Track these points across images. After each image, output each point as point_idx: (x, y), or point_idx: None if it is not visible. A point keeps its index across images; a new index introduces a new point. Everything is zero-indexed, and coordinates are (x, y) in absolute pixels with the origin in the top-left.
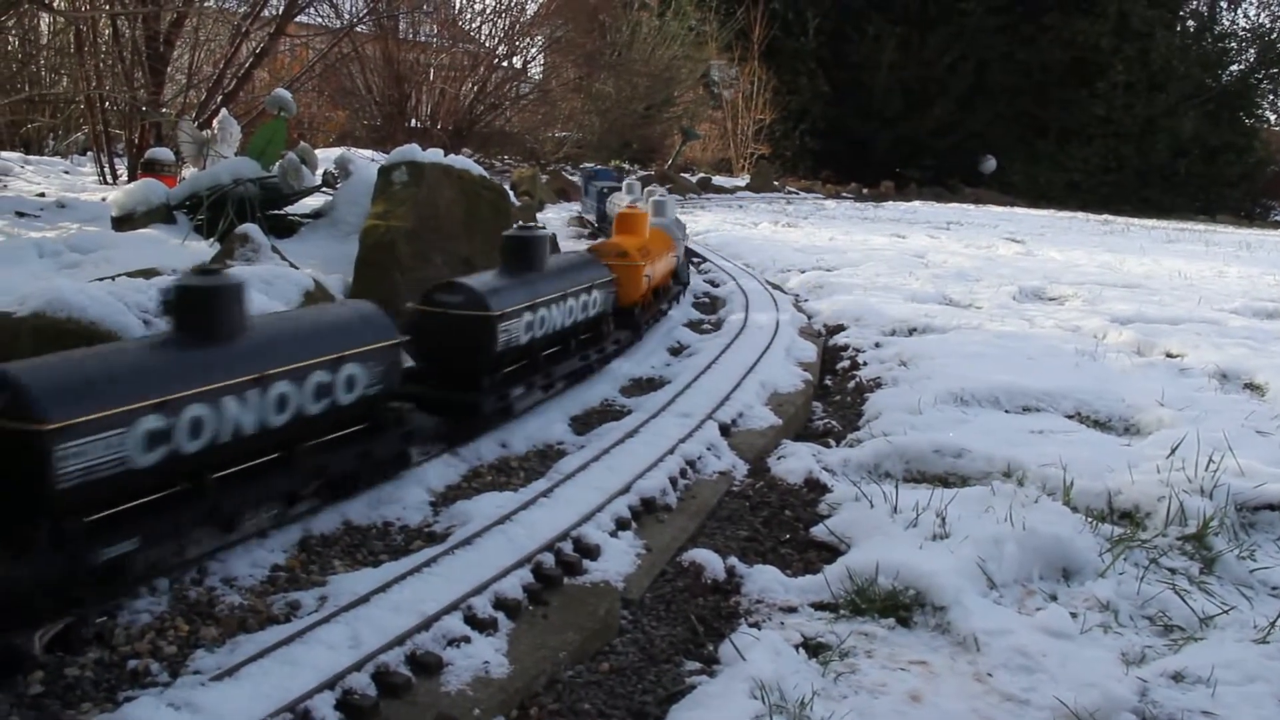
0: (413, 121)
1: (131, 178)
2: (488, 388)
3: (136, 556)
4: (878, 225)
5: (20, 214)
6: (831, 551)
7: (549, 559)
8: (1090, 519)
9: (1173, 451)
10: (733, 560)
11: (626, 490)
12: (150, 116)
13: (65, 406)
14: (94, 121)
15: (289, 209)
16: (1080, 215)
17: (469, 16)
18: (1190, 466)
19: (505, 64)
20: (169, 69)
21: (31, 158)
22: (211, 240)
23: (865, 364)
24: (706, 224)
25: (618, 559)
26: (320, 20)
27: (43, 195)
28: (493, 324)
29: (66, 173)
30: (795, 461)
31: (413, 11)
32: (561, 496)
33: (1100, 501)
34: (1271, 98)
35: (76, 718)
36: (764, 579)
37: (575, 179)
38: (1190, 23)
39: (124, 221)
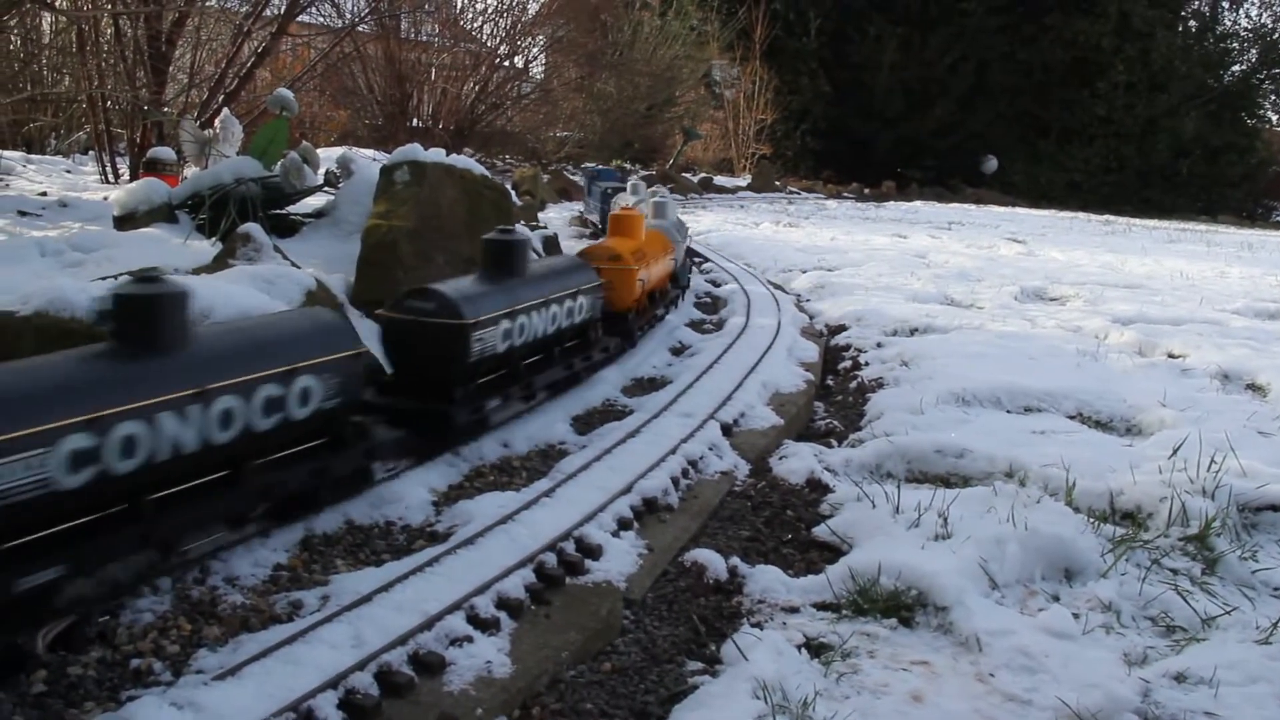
0: (414, 121)
1: (133, 177)
2: (461, 399)
3: (63, 585)
4: (879, 225)
5: (22, 213)
6: (833, 551)
7: (551, 559)
8: (1092, 519)
9: (1174, 452)
10: (735, 560)
11: (628, 490)
12: (152, 116)
13: None
14: (96, 121)
15: (291, 208)
16: (1081, 215)
17: (470, 16)
18: (1192, 467)
19: (507, 64)
20: (171, 68)
21: (33, 157)
22: (213, 239)
23: (867, 364)
24: (708, 224)
25: (620, 559)
26: (322, 20)
27: (45, 194)
28: (466, 332)
29: (68, 172)
30: (797, 461)
31: (414, 11)
32: (563, 496)
33: (1102, 502)
34: (1273, 98)
35: (80, 717)
36: (766, 579)
37: (576, 178)
38: (1192, 23)
39: (126, 221)
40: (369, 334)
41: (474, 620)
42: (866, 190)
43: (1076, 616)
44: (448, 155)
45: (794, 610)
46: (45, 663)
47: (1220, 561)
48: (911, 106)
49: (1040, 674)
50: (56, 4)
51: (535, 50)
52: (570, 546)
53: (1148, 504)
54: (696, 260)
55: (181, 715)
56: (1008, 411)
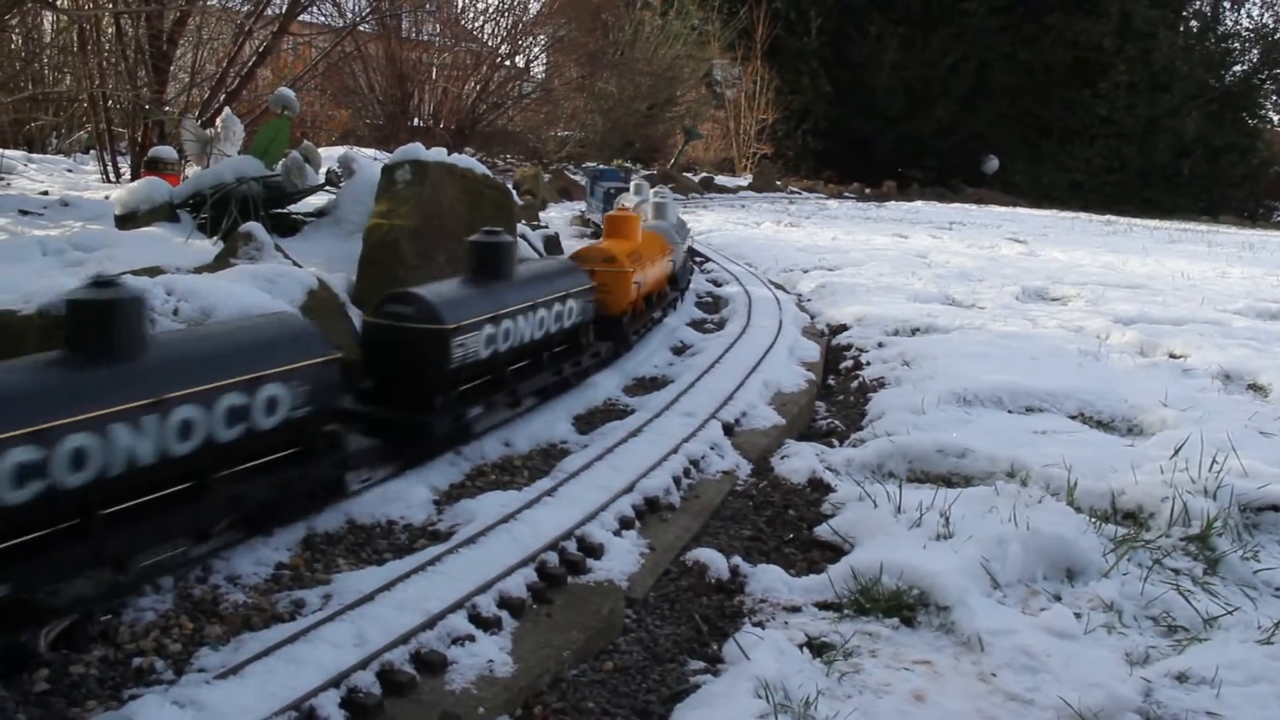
0: (415, 120)
1: (135, 176)
2: (441, 407)
3: (8, 603)
4: (880, 225)
5: (24, 212)
6: (835, 551)
7: (553, 558)
8: (1094, 519)
9: (1176, 452)
10: (736, 559)
11: (630, 489)
12: (153, 115)
13: None
14: (97, 120)
15: (292, 207)
16: (1083, 215)
17: (472, 15)
18: (1194, 467)
19: (508, 63)
20: (172, 67)
21: (35, 156)
22: (215, 239)
23: (868, 364)
24: (709, 224)
25: (622, 558)
26: (323, 19)
27: (46, 193)
28: (446, 338)
29: (70, 171)
30: (799, 461)
31: (415, 11)
32: (565, 495)
33: (1104, 502)
34: (1275, 98)
35: (82, 715)
36: (768, 578)
37: (578, 178)
38: (1193, 23)
39: (127, 220)
40: None
41: (476, 619)
42: (868, 190)
43: (1078, 616)
44: (449, 155)
45: (796, 610)
46: (47, 661)
47: (1222, 561)
48: (913, 106)
49: (1042, 673)
50: (58, 3)
51: (536, 50)
52: (572, 545)
53: (1149, 504)
54: (698, 260)
55: (183, 714)
56: (1009, 411)
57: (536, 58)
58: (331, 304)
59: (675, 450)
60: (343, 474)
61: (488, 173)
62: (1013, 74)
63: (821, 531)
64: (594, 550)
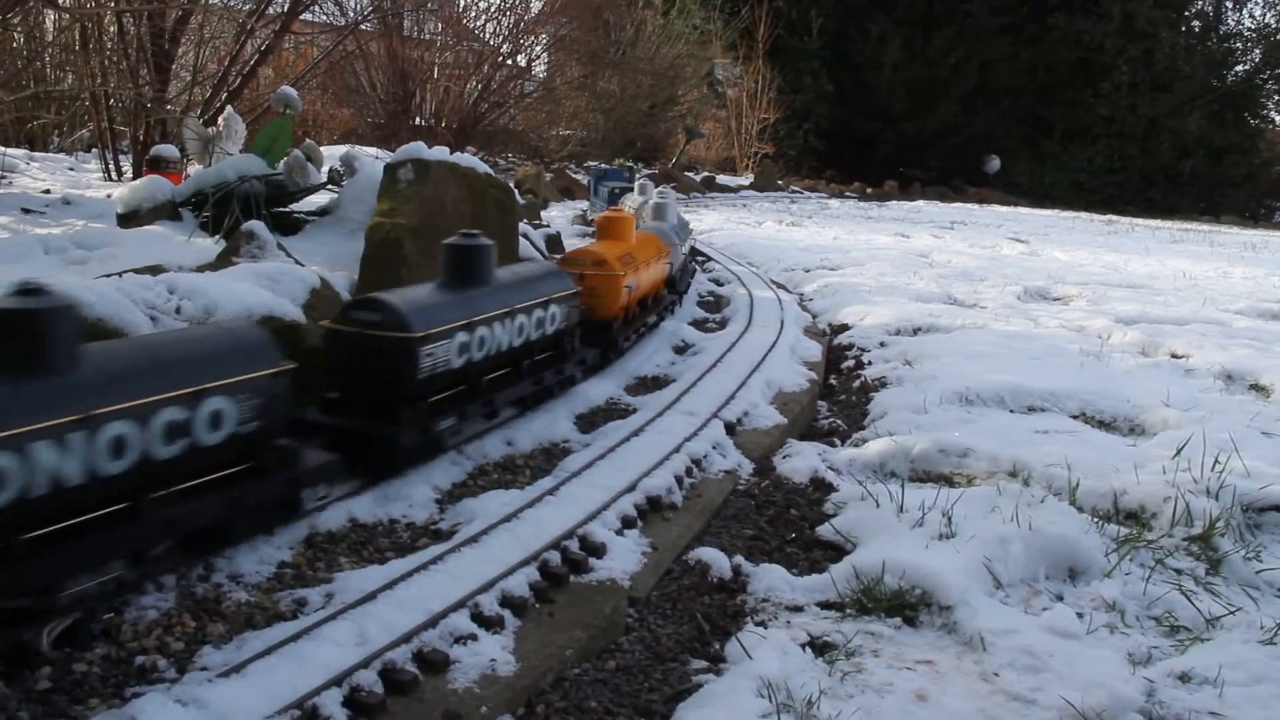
0: (417, 119)
1: (137, 174)
2: (408, 419)
3: None
4: (882, 225)
5: (26, 210)
6: (837, 550)
7: (555, 557)
8: (1096, 519)
9: (1178, 452)
10: (739, 559)
11: (632, 488)
12: (155, 113)
13: None
14: (99, 118)
15: (294, 206)
16: (1084, 215)
17: (473, 15)
18: (1196, 467)
19: (510, 62)
20: (174, 66)
21: (37, 154)
22: (217, 237)
23: (870, 363)
24: (711, 223)
25: (624, 557)
26: (325, 18)
27: (48, 192)
28: (413, 346)
29: (71, 169)
30: (801, 460)
31: (417, 10)
32: (567, 494)
33: (1106, 502)
34: (1277, 98)
35: (84, 713)
36: (770, 578)
37: (579, 177)
38: (1195, 23)
39: (129, 218)
40: None
41: (478, 618)
42: (869, 190)
43: (1080, 616)
44: (451, 154)
45: (798, 609)
46: (50, 659)
47: (1224, 562)
48: (914, 106)
49: (1044, 673)
50: (60, 2)
51: (538, 49)
52: (574, 545)
53: (1151, 504)
54: (700, 259)
55: (186, 712)
56: (1011, 411)
57: (538, 57)
58: (334, 302)
59: (677, 449)
60: (297, 492)
61: (490, 172)
62: (1014, 74)
63: (823, 531)
64: (596, 549)
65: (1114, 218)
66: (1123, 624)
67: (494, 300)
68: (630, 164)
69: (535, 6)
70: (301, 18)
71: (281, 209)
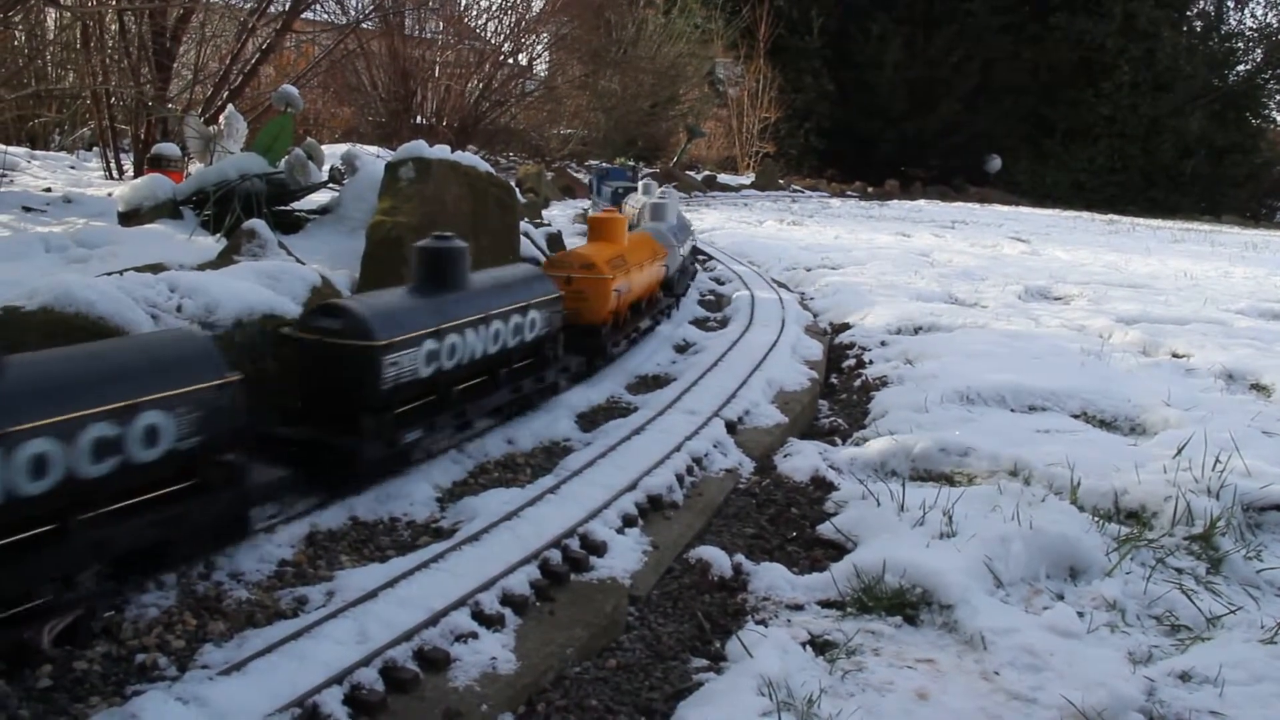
0: (418, 118)
1: (138, 173)
2: (371, 431)
3: None
4: (883, 224)
5: (27, 208)
6: (838, 549)
7: (556, 556)
8: (1097, 518)
9: (1179, 451)
10: (739, 558)
11: (633, 487)
12: (156, 112)
13: None
14: (100, 117)
15: (295, 205)
16: (1085, 215)
17: (475, 13)
18: (1197, 467)
19: (511, 61)
20: (175, 64)
21: (38, 153)
22: (218, 236)
23: (871, 362)
24: (712, 222)
25: (625, 556)
26: (326, 16)
27: (49, 190)
28: (375, 355)
29: (72, 168)
30: (802, 459)
31: (418, 8)
32: (568, 493)
33: (1107, 501)
34: (1278, 98)
35: (85, 711)
36: (771, 576)
37: (580, 176)
38: (1197, 23)
39: (130, 217)
40: None
41: (479, 616)
42: (870, 189)
43: (1081, 615)
44: (452, 152)
45: (799, 608)
46: (51, 657)
47: (1225, 561)
48: (915, 105)
49: (1045, 672)
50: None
51: (539, 48)
52: (575, 543)
53: (1152, 503)
54: (700, 258)
55: (187, 710)
56: (1012, 410)
57: (539, 56)
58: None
59: (678, 448)
60: (245, 510)
61: (491, 170)
62: (1016, 73)
63: (824, 530)
64: (597, 548)
65: (1115, 217)
66: (1123, 623)
67: (467, 306)
68: (632, 163)
69: (536, 5)
70: (303, 16)
71: (282, 207)
